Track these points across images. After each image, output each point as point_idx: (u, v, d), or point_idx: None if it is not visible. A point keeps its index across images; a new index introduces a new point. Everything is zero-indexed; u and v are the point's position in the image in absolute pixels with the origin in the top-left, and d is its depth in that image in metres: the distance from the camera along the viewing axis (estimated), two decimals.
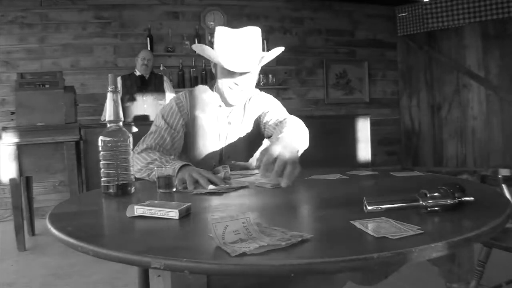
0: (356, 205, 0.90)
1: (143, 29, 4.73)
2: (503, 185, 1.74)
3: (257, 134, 1.68)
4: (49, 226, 0.83)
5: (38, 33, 4.51)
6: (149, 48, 4.58)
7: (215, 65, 1.59)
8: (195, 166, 1.56)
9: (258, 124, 1.66)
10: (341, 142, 4.04)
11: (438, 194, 0.83)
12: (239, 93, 1.56)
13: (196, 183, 1.24)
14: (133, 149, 1.21)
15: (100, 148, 1.14)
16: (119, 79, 3.99)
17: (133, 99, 4.06)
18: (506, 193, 1.72)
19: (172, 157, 1.48)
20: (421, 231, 0.70)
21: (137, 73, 4.15)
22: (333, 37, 5.58)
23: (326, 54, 5.52)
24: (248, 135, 1.66)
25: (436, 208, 0.82)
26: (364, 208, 0.83)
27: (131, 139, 1.17)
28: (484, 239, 0.72)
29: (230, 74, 1.51)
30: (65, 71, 4.04)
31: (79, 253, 0.72)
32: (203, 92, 1.65)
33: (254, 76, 1.58)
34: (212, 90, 1.65)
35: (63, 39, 4.57)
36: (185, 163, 1.36)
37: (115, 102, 1.16)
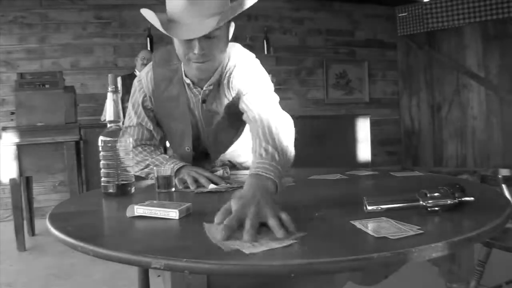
0: (356, 205, 0.90)
1: (143, 29, 4.73)
2: (503, 185, 1.74)
3: (239, 113, 1.38)
4: (49, 226, 0.83)
5: (38, 33, 4.51)
6: (149, 48, 4.58)
7: None
8: (178, 155, 1.52)
9: (238, 100, 1.37)
10: (341, 142, 4.04)
11: (438, 194, 0.83)
12: (204, 65, 1.24)
13: (196, 182, 1.23)
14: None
15: (100, 148, 1.14)
16: (119, 79, 4.00)
17: None
18: (506, 193, 1.72)
19: (167, 157, 1.42)
20: (421, 231, 0.70)
21: (137, 73, 4.15)
22: (333, 37, 5.58)
23: (326, 54, 5.52)
24: (228, 115, 1.42)
25: (436, 208, 0.82)
26: (364, 208, 0.83)
27: (131, 139, 1.17)
28: (484, 239, 0.72)
29: (187, 42, 1.20)
30: (65, 71, 4.04)
31: (79, 253, 0.72)
32: (167, 65, 1.39)
33: (220, 38, 1.23)
34: (179, 61, 1.36)
35: (63, 39, 4.57)
36: (183, 163, 1.33)
37: (115, 102, 1.16)
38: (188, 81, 1.36)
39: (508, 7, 4.96)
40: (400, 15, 5.74)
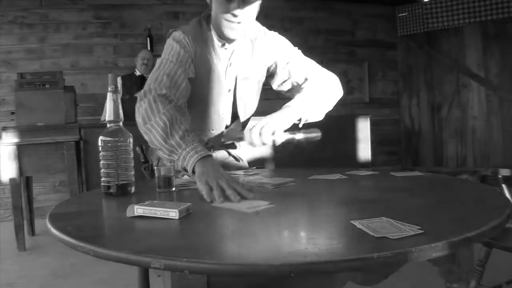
0: (356, 205, 0.90)
1: (143, 29, 4.73)
2: (503, 185, 1.74)
3: (261, 79, 1.58)
4: (49, 226, 0.83)
5: (38, 33, 4.51)
6: (149, 48, 4.58)
7: None
8: (205, 119, 1.51)
9: (268, 70, 1.55)
10: (341, 142, 4.03)
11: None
12: (238, 26, 1.36)
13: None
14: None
15: (100, 148, 1.14)
16: (119, 79, 4.00)
17: (133, 99, 4.06)
18: (506, 193, 1.72)
19: (191, 135, 1.19)
20: (421, 231, 0.70)
21: (137, 73, 4.15)
22: (333, 37, 5.58)
23: (326, 54, 5.51)
24: (257, 80, 1.55)
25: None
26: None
27: (131, 139, 1.17)
28: (484, 239, 0.72)
29: (227, 4, 1.31)
30: (65, 71, 4.03)
31: (79, 253, 0.72)
32: (202, 30, 1.45)
33: (255, 7, 1.37)
34: (209, 25, 1.46)
35: (63, 39, 4.57)
36: (208, 153, 1.14)
37: (115, 102, 1.16)
38: (220, 43, 1.44)
39: (508, 7, 4.96)
40: (400, 15, 5.73)
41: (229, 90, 1.51)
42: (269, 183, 1.21)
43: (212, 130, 1.54)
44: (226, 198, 0.99)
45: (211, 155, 1.16)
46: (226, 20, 1.34)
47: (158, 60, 1.41)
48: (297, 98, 1.45)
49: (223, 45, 1.45)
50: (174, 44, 1.41)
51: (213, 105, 1.50)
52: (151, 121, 1.21)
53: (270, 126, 1.29)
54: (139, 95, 1.30)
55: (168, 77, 1.33)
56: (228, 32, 1.38)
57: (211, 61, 1.45)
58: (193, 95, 1.45)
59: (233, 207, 0.94)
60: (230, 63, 1.48)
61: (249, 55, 1.50)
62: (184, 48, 1.40)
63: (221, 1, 1.31)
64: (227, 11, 1.31)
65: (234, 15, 1.32)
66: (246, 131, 1.35)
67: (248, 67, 1.51)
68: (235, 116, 1.56)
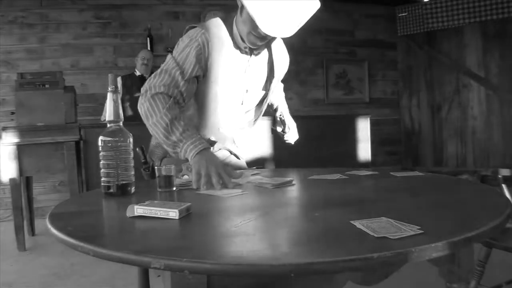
0: (356, 205, 0.90)
1: (143, 29, 4.73)
2: (503, 185, 1.74)
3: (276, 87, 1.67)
4: (49, 226, 0.83)
5: (38, 33, 4.51)
6: (149, 48, 4.58)
7: None
8: (218, 118, 1.52)
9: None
10: (341, 142, 4.04)
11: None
12: (262, 41, 1.39)
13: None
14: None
15: (100, 148, 1.14)
16: (119, 79, 4.00)
17: (133, 99, 4.06)
18: (506, 193, 1.72)
19: (188, 130, 1.30)
20: (421, 231, 0.70)
21: (137, 73, 4.15)
22: (333, 37, 5.58)
23: (326, 54, 5.51)
24: (278, 79, 1.63)
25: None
26: None
27: (131, 139, 1.17)
28: (484, 239, 0.72)
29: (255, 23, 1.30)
30: (65, 71, 4.04)
31: (79, 253, 0.72)
32: (221, 30, 1.44)
33: None
34: (231, 27, 1.45)
35: (63, 39, 4.57)
36: (205, 146, 1.26)
37: (115, 102, 1.16)
38: (243, 45, 1.44)
39: (508, 7, 4.95)
40: (400, 15, 5.73)
41: (247, 91, 1.53)
42: (269, 183, 1.21)
43: (221, 129, 1.55)
44: (211, 187, 1.17)
45: (208, 148, 1.28)
46: (252, 34, 1.36)
47: (168, 56, 1.43)
48: (283, 100, 1.78)
49: (244, 48, 1.46)
50: (187, 43, 1.40)
51: (228, 104, 1.51)
52: (153, 118, 1.32)
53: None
54: (141, 90, 1.39)
55: (169, 75, 1.37)
56: (252, 44, 1.41)
57: (229, 62, 1.44)
58: (208, 93, 1.47)
59: (212, 193, 1.12)
60: (249, 65, 1.50)
61: (265, 60, 1.54)
62: (197, 48, 1.38)
63: (253, 20, 1.29)
64: (255, 29, 1.32)
65: (260, 34, 1.33)
66: (289, 124, 1.68)
67: (262, 71, 1.55)
68: (256, 113, 1.63)
